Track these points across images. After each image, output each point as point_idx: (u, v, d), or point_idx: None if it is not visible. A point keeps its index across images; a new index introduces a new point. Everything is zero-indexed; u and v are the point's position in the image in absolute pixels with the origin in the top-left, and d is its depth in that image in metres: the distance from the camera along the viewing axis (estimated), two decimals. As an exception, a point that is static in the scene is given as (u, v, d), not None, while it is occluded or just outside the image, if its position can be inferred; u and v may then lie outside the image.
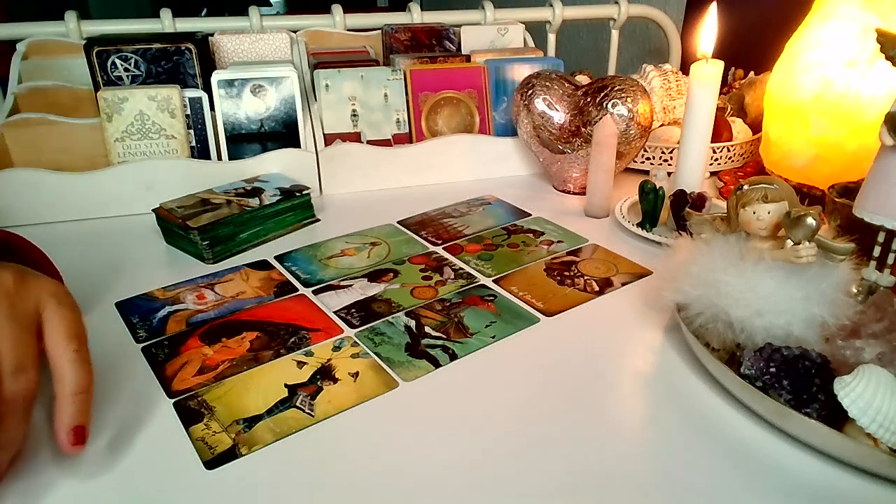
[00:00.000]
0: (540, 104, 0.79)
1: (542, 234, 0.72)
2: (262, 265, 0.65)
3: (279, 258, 0.66)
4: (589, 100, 0.77)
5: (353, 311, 0.57)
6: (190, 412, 0.44)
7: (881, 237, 0.48)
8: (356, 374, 0.48)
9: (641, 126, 0.77)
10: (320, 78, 0.82)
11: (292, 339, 0.53)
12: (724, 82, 0.93)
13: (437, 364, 0.50)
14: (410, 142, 0.86)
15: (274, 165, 0.78)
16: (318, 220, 0.75)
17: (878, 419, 0.37)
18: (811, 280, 0.44)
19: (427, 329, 0.54)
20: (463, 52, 0.97)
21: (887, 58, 0.48)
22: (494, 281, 0.62)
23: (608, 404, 0.46)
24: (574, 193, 0.83)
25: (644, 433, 0.43)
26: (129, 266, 0.65)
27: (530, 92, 0.79)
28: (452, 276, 0.62)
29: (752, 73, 0.98)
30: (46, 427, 0.42)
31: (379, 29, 0.99)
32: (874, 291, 0.48)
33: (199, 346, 0.52)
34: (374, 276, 0.63)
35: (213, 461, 0.40)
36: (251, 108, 0.79)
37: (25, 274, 0.40)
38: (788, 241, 0.43)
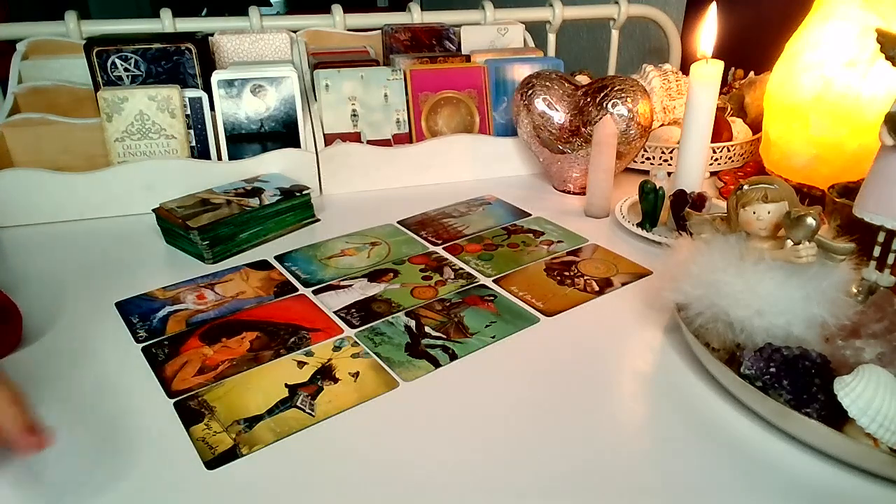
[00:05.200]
0: (540, 104, 0.79)
1: (542, 234, 0.72)
2: (262, 265, 0.65)
3: (279, 258, 0.66)
4: (589, 100, 0.77)
5: (353, 311, 0.57)
6: (190, 412, 0.44)
7: (881, 237, 0.48)
8: (356, 374, 0.48)
9: (641, 126, 0.77)
10: (320, 78, 0.82)
11: (292, 339, 0.53)
12: (724, 82, 0.93)
13: (437, 364, 0.50)
14: (410, 142, 0.86)
15: (274, 165, 0.78)
16: (318, 220, 0.75)
17: (878, 419, 0.37)
18: (811, 280, 0.44)
19: (427, 329, 0.54)
20: (463, 52, 0.97)
21: (887, 58, 0.48)
22: (494, 281, 0.62)
23: (608, 404, 0.46)
24: (574, 193, 0.83)
25: (644, 433, 0.43)
26: (129, 266, 0.65)
27: (530, 92, 0.79)
28: (452, 276, 0.62)
29: (752, 73, 0.98)
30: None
31: (379, 29, 0.99)
32: (874, 291, 0.48)
33: (199, 346, 0.52)
34: (374, 276, 0.63)
35: (213, 461, 0.40)
36: (251, 108, 0.79)
37: None
38: (788, 241, 0.43)
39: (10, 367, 0.49)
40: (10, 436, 0.37)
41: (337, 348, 0.51)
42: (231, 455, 0.41)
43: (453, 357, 0.50)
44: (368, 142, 0.84)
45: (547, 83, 0.79)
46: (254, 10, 0.97)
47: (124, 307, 0.57)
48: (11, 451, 0.38)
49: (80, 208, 0.74)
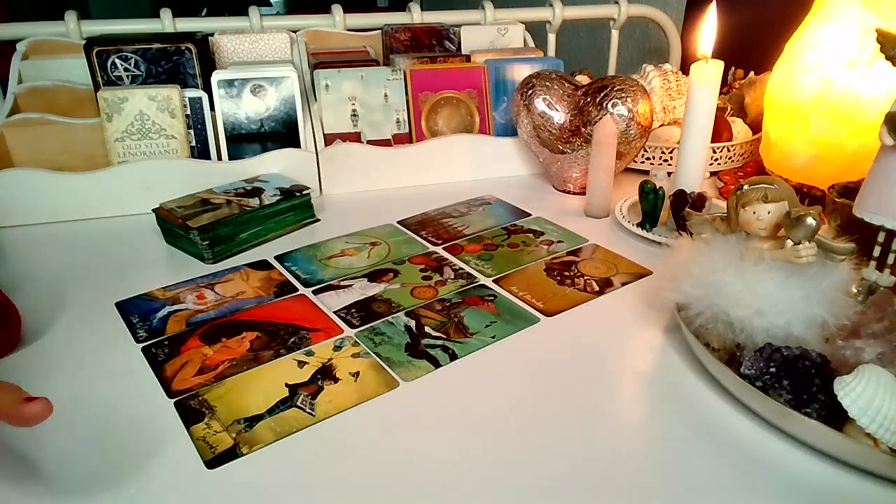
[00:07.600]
0: (540, 104, 0.79)
1: (542, 234, 0.72)
2: (262, 265, 0.65)
3: (279, 258, 0.66)
4: (589, 100, 0.77)
5: (353, 311, 0.57)
6: (191, 412, 0.44)
7: (881, 237, 0.48)
8: (357, 374, 0.48)
9: (641, 126, 0.77)
10: (320, 78, 0.82)
11: (292, 339, 0.53)
12: (724, 82, 0.93)
13: (437, 364, 0.50)
14: (410, 142, 0.86)
15: (274, 165, 0.78)
16: (318, 220, 0.75)
17: (878, 419, 0.37)
18: (811, 280, 0.44)
19: (427, 329, 0.54)
20: (463, 52, 0.97)
21: (887, 58, 0.48)
22: (494, 281, 0.62)
23: (608, 404, 0.46)
24: (574, 193, 0.83)
25: (644, 433, 0.43)
26: (129, 266, 0.65)
27: (530, 92, 0.79)
28: (452, 276, 0.62)
29: (752, 73, 0.98)
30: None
31: (379, 29, 0.99)
32: (874, 291, 0.48)
33: (199, 346, 0.52)
34: (374, 276, 0.63)
35: (213, 460, 0.40)
36: (251, 108, 0.79)
37: None
38: (788, 241, 0.43)
39: (10, 368, 0.49)
40: (10, 409, 0.37)
41: (337, 348, 0.51)
42: (231, 454, 0.41)
43: (453, 357, 0.50)
44: (368, 142, 0.84)
45: (547, 83, 0.79)
46: (254, 10, 0.97)
47: (124, 307, 0.57)
48: (16, 423, 0.37)
49: (80, 208, 0.74)
